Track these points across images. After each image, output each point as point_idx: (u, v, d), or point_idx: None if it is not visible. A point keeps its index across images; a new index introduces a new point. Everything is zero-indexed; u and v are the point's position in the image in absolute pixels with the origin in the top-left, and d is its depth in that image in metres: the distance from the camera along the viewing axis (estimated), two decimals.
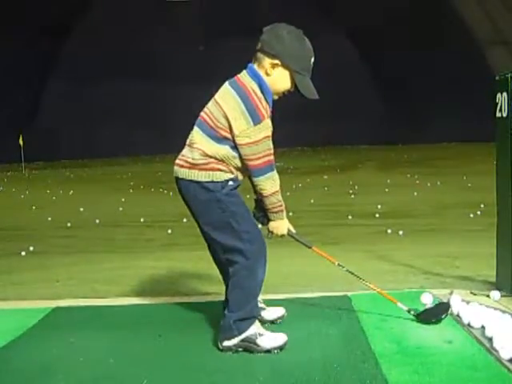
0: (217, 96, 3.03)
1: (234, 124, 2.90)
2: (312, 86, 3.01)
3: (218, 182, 2.96)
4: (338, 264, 3.36)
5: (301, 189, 13.58)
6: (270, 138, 2.97)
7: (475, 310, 3.30)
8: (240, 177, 3.05)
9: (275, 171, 3.00)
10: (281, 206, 3.07)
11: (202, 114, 3.06)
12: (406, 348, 2.93)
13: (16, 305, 4.05)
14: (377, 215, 9.13)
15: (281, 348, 2.96)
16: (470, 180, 13.24)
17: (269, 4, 30.88)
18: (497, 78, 3.67)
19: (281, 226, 3.14)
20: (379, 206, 9.90)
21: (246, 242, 2.96)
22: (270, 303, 3.48)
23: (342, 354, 2.88)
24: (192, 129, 3.07)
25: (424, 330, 3.16)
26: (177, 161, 3.07)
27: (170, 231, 8.34)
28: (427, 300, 3.47)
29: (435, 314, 3.26)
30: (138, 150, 33.37)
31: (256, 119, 2.90)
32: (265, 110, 2.94)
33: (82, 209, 11.53)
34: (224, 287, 3.21)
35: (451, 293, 3.74)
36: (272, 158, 2.98)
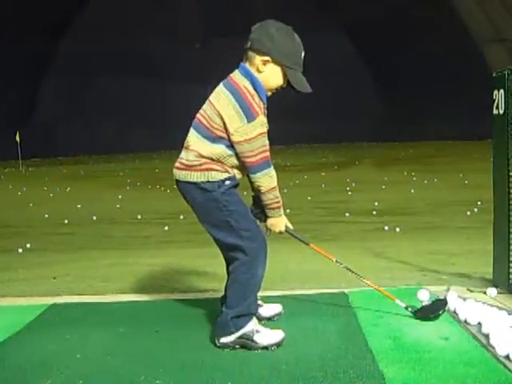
0: (211, 97, 3.05)
1: (229, 122, 2.91)
2: (304, 80, 3.02)
3: (214, 181, 2.97)
4: (336, 261, 3.37)
5: (298, 186, 13.59)
6: (266, 135, 2.98)
7: (472, 306, 3.31)
8: (238, 176, 3.05)
9: (272, 168, 3.01)
10: (278, 202, 3.08)
11: (197, 115, 3.08)
12: (403, 344, 2.93)
13: (13, 301, 4.05)
14: (374, 212, 9.15)
15: (278, 345, 2.96)
16: (466, 177, 13.26)
17: (269, 4, 30.84)
18: (494, 74, 3.67)
19: (278, 222, 3.15)
20: (376, 203, 9.91)
21: (245, 240, 2.96)
22: (267, 300, 3.49)
23: (339, 350, 2.89)
24: (189, 130, 3.09)
25: (421, 327, 3.17)
26: (175, 164, 3.10)
27: (166, 228, 8.35)
28: (424, 297, 3.48)
29: (433, 311, 3.27)
30: (136, 147, 33.36)
31: (250, 116, 2.90)
32: (258, 107, 2.94)
33: (79, 206, 11.53)
34: (224, 284, 3.21)
35: (448, 290, 3.75)
36: (268, 154, 2.99)
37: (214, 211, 2.99)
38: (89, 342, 3.17)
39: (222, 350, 2.98)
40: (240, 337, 2.98)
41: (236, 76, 3.01)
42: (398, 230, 7.31)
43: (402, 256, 5.09)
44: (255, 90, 2.96)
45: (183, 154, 3.07)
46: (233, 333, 2.97)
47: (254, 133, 2.91)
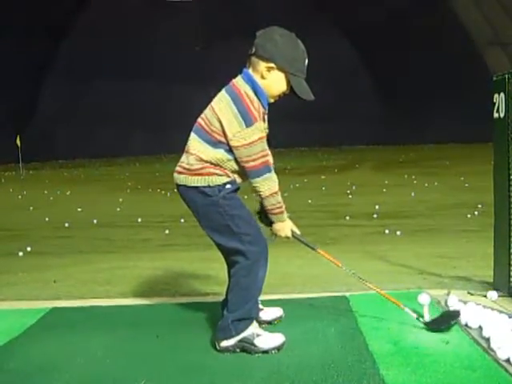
0: (213, 102, 3.06)
1: (227, 126, 2.92)
2: (307, 87, 3.02)
3: (214, 186, 2.97)
4: (344, 267, 3.33)
5: (299, 189, 13.59)
6: (264, 140, 2.98)
7: (472, 310, 3.30)
8: (238, 180, 3.05)
9: (273, 172, 3.00)
10: (280, 207, 3.07)
11: (198, 119, 3.09)
12: (404, 348, 2.93)
13: (13, 305, 4.04)
14: (374, 215, 9.14)
15: (278, 348, 2.96)
16: (467, 180, 13.26)
17: (270, 7, 30.89)
18: (494, 78, 3.67)
19: (284, 227, 3.14)
20: (377, 207, 9.91)
21: (246, 244, 2.96)
22: (268, 303, 3.48)
23: (339, 354, 2.88)
24: (189, 133, 3.09)
25: (421, 331, 3.16)
26: (176, 168, 3.10)
27: (167, 231, 8.34)
28: (424, 300, 3.46)
29: (445, 322, 3.18)
30: (136, 151, 33.38)
31: (248, 121, 2.91)
32: (257, 112, 2.94)
33: (79, 209, 11.53)
34: (225, 288, 3.21)
35: (448, 293, 3.74)
36: (268, 159, 2.98)
37: (214, 215, 2.99)
38: (89, 345, 3.16)
39: (222, 354, 2.97)
40: (240, 340, 2.97)
41: (238, 82, 3.01)
42: (398, 233, 7.31)
43: (403, 259, 5.09)
44: (256, 95, 2.96)
45: (184, 157, 3.07)
46: (233, 336, 2.97)
47: (252, 138, 2.91)
